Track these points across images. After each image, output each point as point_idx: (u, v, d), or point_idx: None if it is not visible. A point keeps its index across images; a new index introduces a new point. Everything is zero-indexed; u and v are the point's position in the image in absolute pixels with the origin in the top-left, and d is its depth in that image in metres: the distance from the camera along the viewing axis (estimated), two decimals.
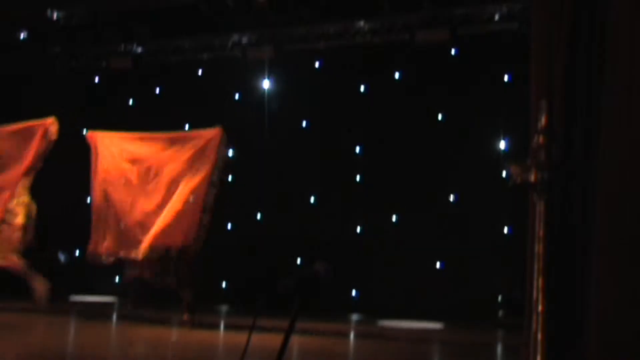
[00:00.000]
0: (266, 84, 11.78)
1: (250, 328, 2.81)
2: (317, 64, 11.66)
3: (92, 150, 9.96)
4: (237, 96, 12.13)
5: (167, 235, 8.96)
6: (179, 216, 8.93)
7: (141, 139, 9.82)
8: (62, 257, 12.56)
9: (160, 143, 9.60)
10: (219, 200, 9.14)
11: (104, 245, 9.45)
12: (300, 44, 11.43)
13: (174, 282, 9.05)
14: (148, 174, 9.45)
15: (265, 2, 10.84)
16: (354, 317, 10.34)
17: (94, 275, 12.39)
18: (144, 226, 9.15)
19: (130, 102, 12.86)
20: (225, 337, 7.95)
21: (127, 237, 9.32)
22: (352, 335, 8.98)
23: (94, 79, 13.03)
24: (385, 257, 10.60)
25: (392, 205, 10.86)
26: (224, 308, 10.97)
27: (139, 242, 9.07)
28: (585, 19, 4.52)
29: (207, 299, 10.87)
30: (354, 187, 11.17)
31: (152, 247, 9.00)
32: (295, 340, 7.16)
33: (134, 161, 9.63)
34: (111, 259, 9.43)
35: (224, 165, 9.20)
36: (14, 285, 11.48)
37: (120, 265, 10.02)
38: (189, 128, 12.11)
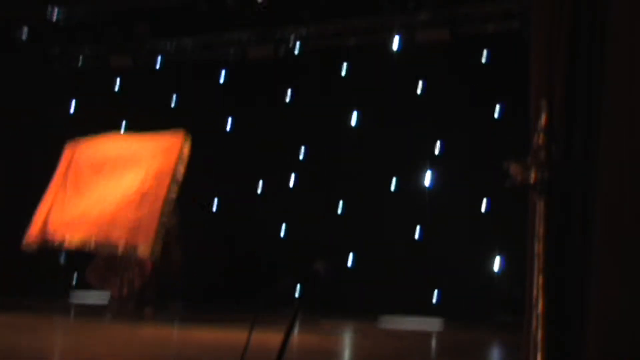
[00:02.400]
0: (267, 83, 11.78)
1: (250, 327, 2.81)
2: (316, 64, 11.66)
3: (62, 159, 10.09)
4: (237, 95, 12.13)
5: (115, 227, 8.95)
6: (132, 208, 8.97)
7: (108, 140, 10.05)
8: (62, 256, 12.56)
9: (125, 143, 9.87)
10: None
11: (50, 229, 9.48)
12: (300, 43, 11.44)
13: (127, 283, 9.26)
14: (108, 171, 9.51)
15: (266, 2, 10.85)
16: (354, 316, 10.34)
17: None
18: (111, 220, 9.08)
19: (130, 101, 12.85)
20: (226, 337, 7.94)
21: (78, 222, 9.30)
22: (351, 334, 8.98)
23: (94, 79, 13.02)
24: (385, 256, 10.60)
25: (392, 204, 10.86)
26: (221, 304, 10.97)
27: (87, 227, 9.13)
28: (585, 19, 4.52)
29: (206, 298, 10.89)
30: (354, 186, 11.17)
31: (98, 239, 9.05)
32: (295, 339, 7.16)
33: (98, 162, 9.73)
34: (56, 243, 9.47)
35: (185, 166, 9.21)
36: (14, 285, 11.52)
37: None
38: (189, 127, 12.14)
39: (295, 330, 2.48)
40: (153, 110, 12.49)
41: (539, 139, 4.33)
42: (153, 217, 8.85)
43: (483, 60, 10.45)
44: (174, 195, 9.03)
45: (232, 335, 7.53)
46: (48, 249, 9.85)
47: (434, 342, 8.40)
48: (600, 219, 4.29)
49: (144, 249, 8.78)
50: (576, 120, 4.52)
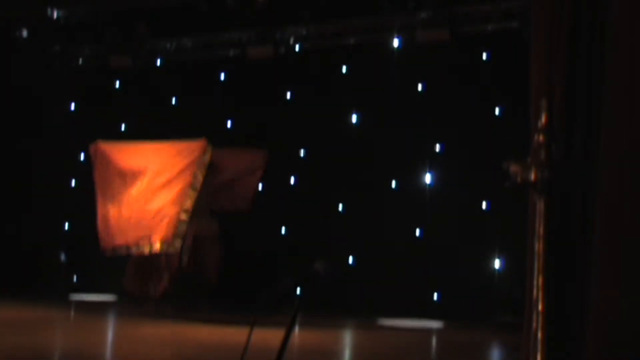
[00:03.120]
0: (267, 83, 11.78)
1: (250, 327, 2.81)
2: (317, 63, 11.66)
3: (93, 162, 10.64)
4: (237, 95, 12.13)
5: (140, 231, 9.69)
6: (153, 212, 9.72)
7: (134, 149, 10.63)
8: (62, 256, 12.57)
9: (153, 151, 10.41)
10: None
11: (109, 242, 10.05)
12: (300, 43, 11.44)
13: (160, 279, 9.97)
14: (138, 181, 10.13)
15: (266, 1, 10.85)
16: (354, 315, 10.34)
17: (93, 274, 12.43)
18: (138, 223, 9.80)
19: (130, 101, 12.86)
20: (227, 335, 7.94)
21: (125, 231, 9.92)
22: (351, 334, 8.99)
23: (94, 78, 13.03)
24: (385, 255, 10.61)
25: (392, 203, 10.86)
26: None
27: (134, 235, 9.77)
28: (585, 19, 4.52)
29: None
30: (354, 186, 11.17)
31: (129, 245, 9.77)
32: (295, 339, 7.16)
33: (127, 170, 10.29)
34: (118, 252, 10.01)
35: (205, 171, 9.92)
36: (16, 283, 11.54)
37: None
38: (189, 127, 12.15)
39: (295, 330, 2.48)
40: (153, 109, 12.51)
41: (539, 138, 4.33)
42: (169, 216, 9.56)
43: (483, 60, 10.44)
44: (190, 202, 9.68)
45: (232, 335, 7.53)
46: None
47: (433, 342, 8.40)
48: (600, 219, 4.28)
49: (157, 245, 9.51)
50: (576, 120, 4.51)
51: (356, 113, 11.29)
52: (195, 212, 9.83)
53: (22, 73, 12.41)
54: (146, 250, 9.68)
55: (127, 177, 10.23)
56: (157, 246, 9.54)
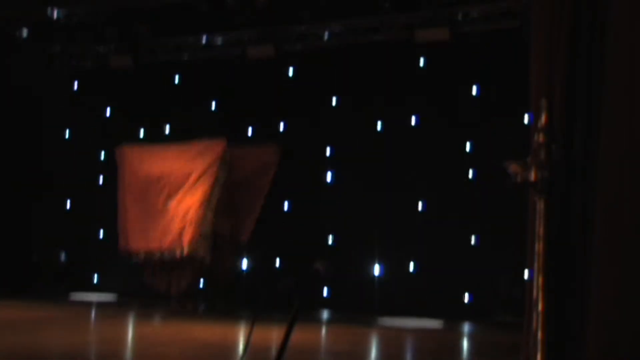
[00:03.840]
0: (266, 82, 11.77)
1: (250, 327, 2.82)
2: (316, 63, 11.65)
3: (119, 165, 11.00)
4: (237, 95, 12.12)
5: (168, 234, 10.07)
6: (180, 215, 10.08)
7: (158, 152, 10.93)
8: (62, 256, 12.57)
9: (176, 154, 10.71)
10: None
11: (131, 244, 10.41)
12: (300, 43, 11.43)
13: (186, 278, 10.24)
14: (164, 182, 10.46)
15: (266, 1, 10.84)
16: (354, 316, 10.34)
17: (94, 273, 12.43)
18: (162, 227, 10.21)
19: (130, 101, 12.85)
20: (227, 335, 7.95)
21: (152, 235, 10.28)
22: (352, 335, 8.98)
23: (94, 78, 13.02)
24: (385, 255, 10.60)
25: (393, 203, 10.86)
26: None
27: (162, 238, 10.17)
28: (585, 19, 4.52)
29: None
30: (354, 185, 11.16)
31: (156, 247, 10.14)
32: (295, 338, 7.16)
33: (152, 173, 10.63)
34: (140, 255, 10.39)
35: (226, 171, 10.31)
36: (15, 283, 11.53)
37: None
38: (189, 127, 12.15)
39: (295, 329, 2.49)
40: (153, 109, 12.50)
41: (539, 138, 4.33)
42: (195, 220, 9.98)
43: (483, 59, 10.44)
44: (215, 200, 10.13)
45: (232, 335, 7.53)
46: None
47: (434, 342, 8.40)
48: (600, 219, 4.29)
49: (187, 249, 9.91)
50: (576, 120, 4.52)
51: (355, 112, 11.26)
52: (216, 211, 10.16)
53: (22, 73, 12.40)
54: (177, 254, 10.01)
55: (152, 181, 10.53)
56: (186, 250, 9.90)
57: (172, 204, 10.22)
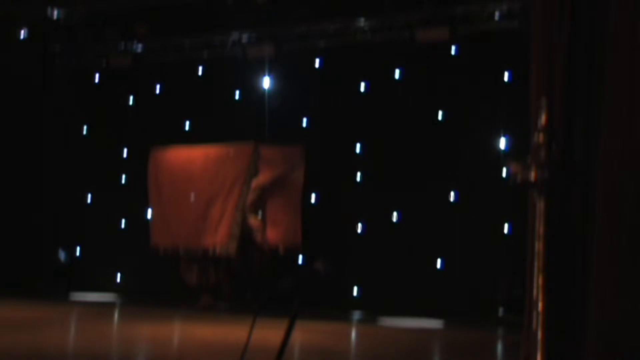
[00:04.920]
0: (266, 82, 11.77)
1: (250, 327, 2.81)
2: (317, 63, 11.65)
3: (150, 165, 11.38)
4: (237, 95, 12.12)
5: (201, 233, 10.59)
6: (212, 215, 10.58)
7: (190, 153, 11.28)
8: (62, 256, 12.57)
9: (206, 156, 11.08)
10: None
11: (162, 240, 10.96)
12: (300, 43, 11.42)
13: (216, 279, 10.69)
14: (196, 183, 10.88)
15: (266, 1, 10.84)
16: (355, 315, 10.35)
17: (94, 273, 12.43)
18: (195, 225, 10.68)
19: (131, 100, 12.85)
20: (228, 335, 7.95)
21: (183, 233, 10.77)
22: (352, 333, 8.99)
23: (94, 78, 13.02)
24: (385, 255, 10.60)
25: (393, 203, 10.86)
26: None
27: (194, 237, 10.66)
28: (585, 19, 4.53)
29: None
30: (355, 185, 11.16)
31: (190, 245, 10.68)
32: (296, 338, 7.16)
33: (184, 173, 11.05)
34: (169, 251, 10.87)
35: (256, 173, 10.66)
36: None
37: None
38: (189, 128, 12.15)
39: (295, 329, 2.50)
40: (153, 108, 12.50)
41: (539, 138, 4.33)
42: (228, 222, 10.45)
43: (483, 59, 10.43)
44: (244, 202, 10.48)
45: (232, 335, 7.54)
46: None
47: (434, 342, 8.40)
48: (600, 218, 4.29)
49: (219, 248, 10.44)
50: (576, 120, 4.52)
51: (356, 111, 11.25)
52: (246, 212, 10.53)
53: (22, 72, 12.40)
54: (209, 252, 10.49)
55: (183, 181, 10.91)
56: (218, 249, 10.44)
57: (205, 204, 10.65)
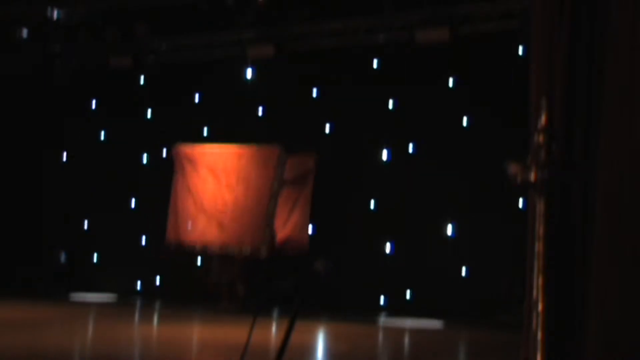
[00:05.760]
0: (266, 82, 11.78)
1: (250, 327, 2.81)
2: (317, 63, 11.65)
3: (177, 162, 11.29)
4: (237, 94, 12.12)
5: (231, 234, 10.57)
6: (244, 217, 10.53)
7: (216, 152, 11.18)
8: (62, 256, 12.57)
9: (231, 155, 11.02)
10: None
11: (179, 237, 10.89)
12: (300, 43, 11.42)
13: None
14: (222, 181, 10.82)
15: (266, 1, 10.84)
16: (355, 316, 10.35)
17: (94, 274, 12.44)
18: (221, 223, 10.63)
19: (130, 100, 12.85)
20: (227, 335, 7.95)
21: (207, 229, 10.72)
22: (352, 334, 8.99)
23: (94, 78, 13.02)
24: (386, 255, 10.61)
25: (393, 203, 10.86)
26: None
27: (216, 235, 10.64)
28: (585, 19, 4.52)
29: None
30: (355, 185, 11.16)
31: (217, 244, 10.65)
32: (296, 338, 7.15)
33: (210, 171, 10.97)
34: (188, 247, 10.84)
35: (281, 178, 10.63)
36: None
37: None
38: (189, 129, 12.14)
39: (295, 329, 2.49)
40: (153, 108, 12.50)
41: (539, 138, 4.32)
42: (260, 224, 10.42)
43: (483, 59, 10.44)
44: (274, 206, 10.51)
45: (232, 335, 7.54)
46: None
47: (434, 342, 8.40)
48: (600, 219, 4.29)
49: (255, 251, 10.40)
50: (576, 120, 4.51)
51: (354, 112, 11.25)
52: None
53: (22, 72, 12.40)
54: (241, 253, 10.46)
55: (211, 179, 10.85)
56: (250, 252, 10.39)
57: (231, 204, 10.60)
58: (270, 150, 10.76)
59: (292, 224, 10.70)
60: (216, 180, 10.79)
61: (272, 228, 10.44)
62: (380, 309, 10.25)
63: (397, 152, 10.90)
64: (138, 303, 11.11)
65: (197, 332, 8.24)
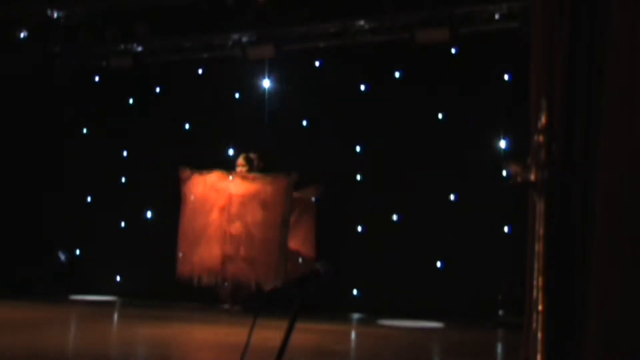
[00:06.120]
0: (266, 83, 11.78)
1: (250, 327, 2.81)
2: (317, 63, 11.66)
3: (183, 185, 10.64)
4: (237, 95, 12.13)
5: (251, 270, 10.03)
6: (256, 250, 10.01)
7: (224, 179, 10.56)
8: (62, 256, 12.57)
9: (240, 184, 10.40)
10: None
11: (188, 268, 10.27)
12: (300, 43, 11.42)
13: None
14: (230, 212, 10.23)
15: (266, 1, 10.84)
16: (355, 316, 10.36)
17: (94, 274, 12.43)
18: (226, 255, 10.10)
19: (131, 101, 12.86)
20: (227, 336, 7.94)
21: (211, 262, 10.16)
22: (352, 335, 8.99)
23: (94, 78, 13.03)
24: (385, 255, 10.61)
25: (393, 203, 10.86)
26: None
27: (220, 267, 10.12)
28: (585, 19, 4.52)
29: None
30: (355, 186, 11.17)
31: (235, 277, 10.17)
32: (296, 339, 7.16)
33: (219, 201, 10.38)
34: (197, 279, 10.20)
35: (292, 208, 10.24)
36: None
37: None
38: (189, 128, 12.14)
39: (295, 330, 2.49)
40: (153, 109, 12.51)
41: (539, 138, 4.33)
42: (276, 258, 9.94)
43: (483, 59, 10.44)
44: (287, 237, 10.08)
45: (232, 335, 7.54)
46: None
47: (434, 342, 8.40)
48: (600, 219, 4.29)
49: (270, 285, 9.82)
50: (576, 120, 4.52)
51: (356, 112, 11.26)
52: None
53: (22, 72, 12.40)
54: (254, 287, 10.03)
55: (219, 209, 10.29)
56: (266, 286, 9.85)
57: (237, 232, 10.11)
58: (279, 181, 10.23)
59: (298, 238, 10.47)
60: (225, 210, 10.29)
61: (285, 257, 10.04)
62: (380, 309, 10.24)
63: (397, 151, 10.90)
64: (138, 304, 11.10)
65: (197, 332, 8.24)
